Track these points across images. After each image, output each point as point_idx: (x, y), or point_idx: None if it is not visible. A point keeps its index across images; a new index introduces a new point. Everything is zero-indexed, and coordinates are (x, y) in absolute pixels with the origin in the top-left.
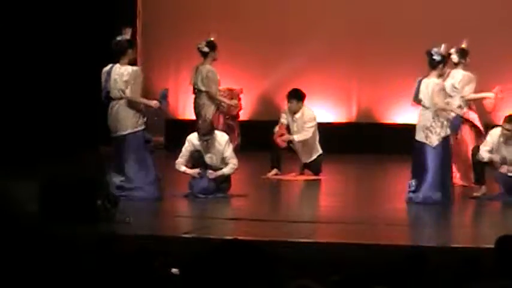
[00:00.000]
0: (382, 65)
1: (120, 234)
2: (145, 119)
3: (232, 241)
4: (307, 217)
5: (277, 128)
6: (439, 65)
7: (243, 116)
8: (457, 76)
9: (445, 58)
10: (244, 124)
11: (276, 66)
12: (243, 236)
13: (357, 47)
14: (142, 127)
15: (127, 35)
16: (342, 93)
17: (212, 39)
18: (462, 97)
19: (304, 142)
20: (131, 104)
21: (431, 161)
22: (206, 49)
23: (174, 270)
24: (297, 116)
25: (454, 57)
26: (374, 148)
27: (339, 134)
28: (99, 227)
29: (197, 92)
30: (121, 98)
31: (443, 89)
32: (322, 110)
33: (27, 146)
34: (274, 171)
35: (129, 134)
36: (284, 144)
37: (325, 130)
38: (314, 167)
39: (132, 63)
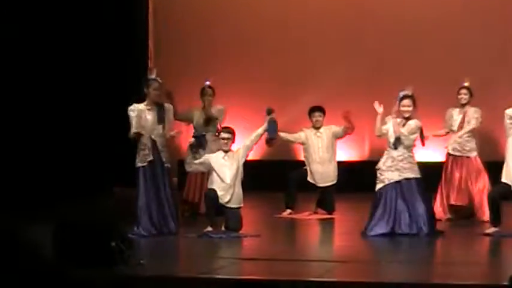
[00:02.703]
0: (393, 104)
1: (135, 276)
2: (145, 156)
3: (248, 281)
4: (321, 256)
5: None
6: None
7: (257, 155)
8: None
9: (404, 98)
10: (257, 164)
11: (289, 107)
12: (258, 276)
13: (368, 87)
14: (140, 164)
15: (151, 74)
16: (355, 132)
17: (206, 83)
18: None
19: (322, 160)
20: (137, 141)
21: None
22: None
23: None
24: (321, 130)
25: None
26: None
27: (352, 171)
28: (113, 269)
29: None
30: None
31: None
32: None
33: (42, 188)
34: (288, 211)
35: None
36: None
37: (338, 168)
38: (328, 205)
39: (155, 100)
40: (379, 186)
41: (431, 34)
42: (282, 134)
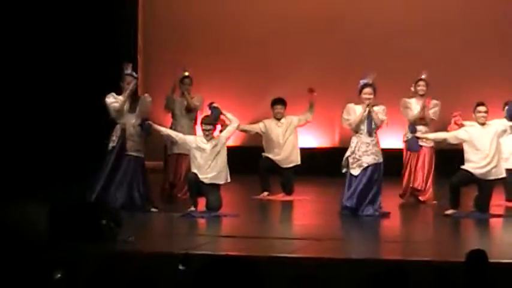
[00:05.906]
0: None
1: (123, 252)
2: (112, 141)
3: (227, 257)
4: (295, 234)
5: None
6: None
7: (234, 141)
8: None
9: (363, 86)
10: (234, 149)
11: (263, 96)
12: (236, 252)
13: (338, 79)
14: (109, 148)
15: (127, 69)
16: (326, 121)
17: (185, 73)
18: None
19: (282, 146)
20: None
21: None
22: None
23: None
24: (282, 121)
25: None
26: None
27: (323, 158)
28: (103, 246)
29: None
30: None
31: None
32: (308, 136)
33: (39, 170)
34: (265, 193)
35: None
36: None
37: (310, 155)
38: (286, 187)
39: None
40: (356, 171)
41: (397, 29)
42: (241, 126)
